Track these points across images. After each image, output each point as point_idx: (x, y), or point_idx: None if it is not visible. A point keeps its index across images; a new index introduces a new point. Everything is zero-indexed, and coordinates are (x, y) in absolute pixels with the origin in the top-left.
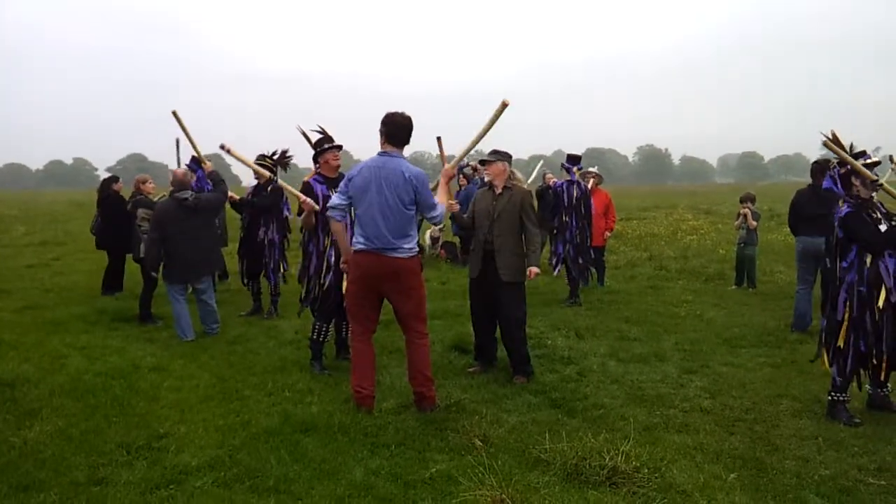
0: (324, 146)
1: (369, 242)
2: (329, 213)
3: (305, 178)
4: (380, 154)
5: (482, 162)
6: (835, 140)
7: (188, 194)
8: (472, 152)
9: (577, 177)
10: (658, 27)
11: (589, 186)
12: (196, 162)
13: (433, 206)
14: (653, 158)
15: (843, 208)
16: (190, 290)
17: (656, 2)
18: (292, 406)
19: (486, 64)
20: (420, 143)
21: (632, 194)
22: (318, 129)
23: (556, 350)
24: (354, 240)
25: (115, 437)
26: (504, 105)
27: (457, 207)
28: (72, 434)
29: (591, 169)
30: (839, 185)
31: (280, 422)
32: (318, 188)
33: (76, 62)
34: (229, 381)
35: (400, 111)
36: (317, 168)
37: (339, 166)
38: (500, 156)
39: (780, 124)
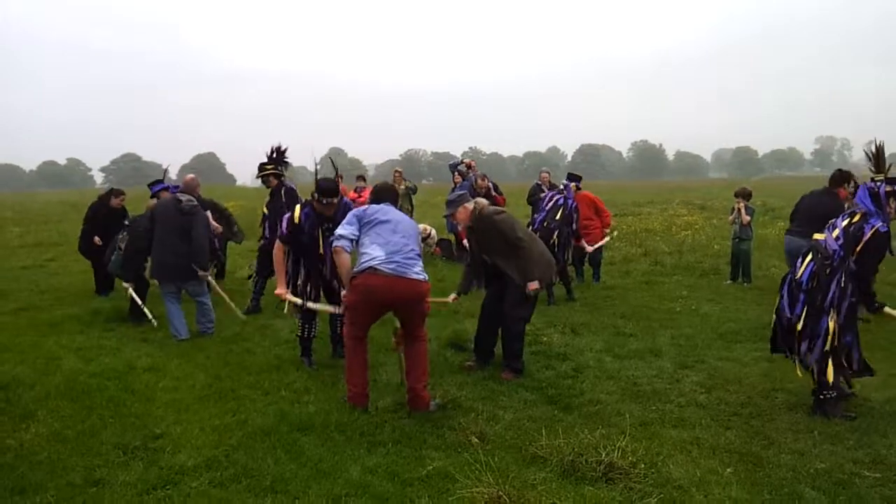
0: (316, 197)
1: (389, 259)
2: (337, 242)
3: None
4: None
5: (445, 216)
6: (878, 154)
7: (186, 198)
8: (466, 150)
9: (572, 192)
10: (653, 26)
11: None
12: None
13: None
14: (647, 154)
15: (880, 223)
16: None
17: (651, 2)
18: (289, 405)
19: (484, 64)
20: (413, 142)
21: (626, 190)
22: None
23: (552, 346)
24: (369, 258)
25: (110, 439)
26: None
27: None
28: (67, 436)
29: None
30: (870, 200)
31: (276, 421)
32: (304, 218)
33: (70, 61)
34: (225, 381)
35: (381, 182)
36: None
37: (328, 213)
38: (454, 204)
39: (774, 119)
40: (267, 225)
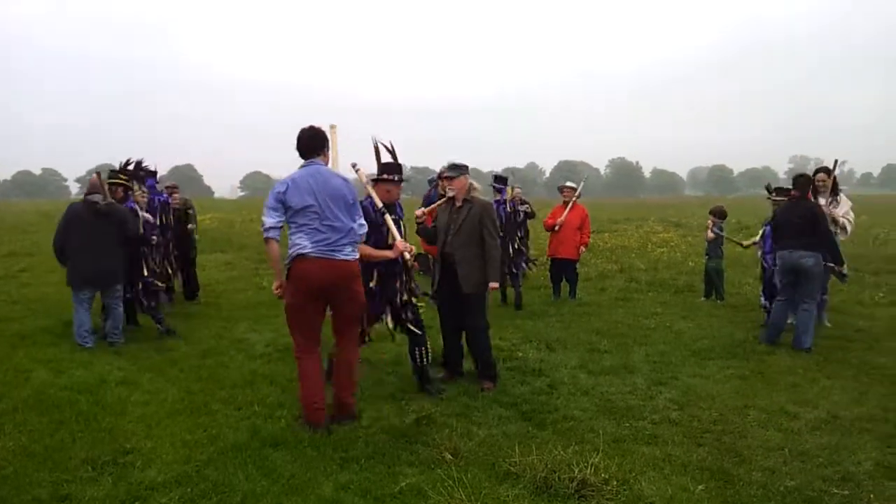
0: (382, 176)
1: (318, 244)
2: (267, 234)
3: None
4: (306, 165)
5: (445, 177)
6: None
7: (99, 198)
8: (445, 166)
9: (507, 196)
10: (631, 47)
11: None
12: (152, 175)
13: (361, 217)
14: (624, 171)
15: None
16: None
17: (631, 22)
18: (261, 420)
19: (463, 79)
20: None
21: (603, 207)
22: (389, 149)
23: (528, 362)
24: (298, 248)
25: (79, 453)
26: (333, 127)
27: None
28: (35, 450)
29: (568, 183)
30: None
31: (249, 436)
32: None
33: (43, 69)
34: (198, 395)
35: (305, 126)
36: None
37: (394, 199)
38: (462, 170)
39: (749, 138)
40: None
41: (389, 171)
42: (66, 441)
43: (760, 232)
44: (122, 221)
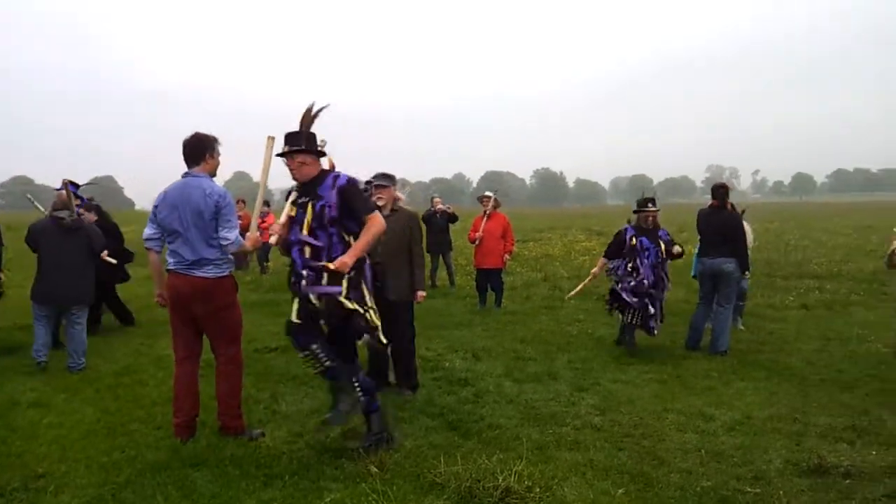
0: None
1: (178, 263)
2: (145, 244)
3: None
4: (183, 176)
5: (374, 185)
6: None
7: (66, 213)
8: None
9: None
10: (559, 62)
11: (487, 210)
12: (74, 185)
13: (230, 230)
14: (549, 181)
15: None
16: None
17: (557, 38)
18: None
19: (394, 89)
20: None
21: (528, 216)
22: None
23: (454, 372)
24: (167, 264)
25: None
26: (270, 139)
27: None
28: None
29: (487, 193)
30: None
31: (168, 456)
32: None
33: None
34: (115, 415)
35: (191, 133)
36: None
37: (301, 175)
38: (392, 181)
39: (668, 149)
40: None
41: (285, 143)
42: None
43: (634, 242)
44: (90, 237)
